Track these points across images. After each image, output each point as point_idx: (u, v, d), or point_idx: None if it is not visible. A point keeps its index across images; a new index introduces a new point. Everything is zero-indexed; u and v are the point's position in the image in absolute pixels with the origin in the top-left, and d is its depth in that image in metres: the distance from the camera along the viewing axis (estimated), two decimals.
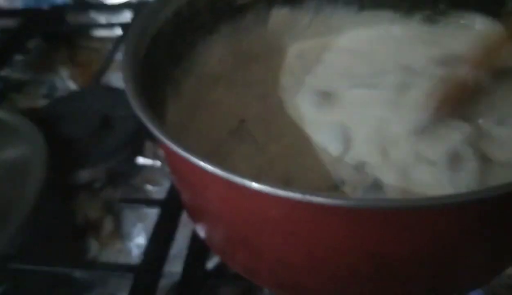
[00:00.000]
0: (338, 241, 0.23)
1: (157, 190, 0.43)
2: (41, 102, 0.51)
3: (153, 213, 0.39)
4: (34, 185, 0.37)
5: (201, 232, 0.32)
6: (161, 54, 0.33)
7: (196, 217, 0.32)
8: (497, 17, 0.37)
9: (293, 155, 0.33)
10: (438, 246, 0.23)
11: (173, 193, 0.39)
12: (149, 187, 0.43)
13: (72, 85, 0.54)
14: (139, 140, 0.45)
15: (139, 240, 0.40)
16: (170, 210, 0.38)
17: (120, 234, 0.40)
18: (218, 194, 0.26)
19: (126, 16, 0.63)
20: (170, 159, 0.29)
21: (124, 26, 0.59)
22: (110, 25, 0.63)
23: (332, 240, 0.24)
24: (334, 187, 0.30)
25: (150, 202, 0.41)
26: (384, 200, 0.27)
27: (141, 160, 0.45)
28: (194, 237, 0.36)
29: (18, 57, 0.57)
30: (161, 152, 0.45)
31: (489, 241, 0.25)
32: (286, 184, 0.31)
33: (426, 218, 0.22)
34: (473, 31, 0.38)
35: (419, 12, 0.39)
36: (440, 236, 0.23)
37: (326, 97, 0.36)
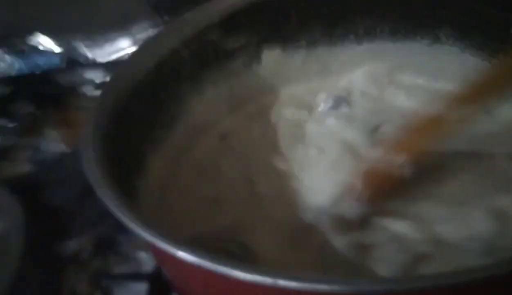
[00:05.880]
0: None
1: (150, 258, 0.39)
2: (25, 168, 0.48)
3: (142, 287, 0.35)
4: (11, 262, 0.34)
5: None
6: (140, 109, 0.32)
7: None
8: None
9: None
10: None
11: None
12: (140, 254, 0.39)
13: (59, 148, 0.51)
14: None
15: None
16: (159, 284, 0.34)
17: None
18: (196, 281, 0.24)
19: None
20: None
21: None
22: (102, 84, 0.62)
23: None
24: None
25: (138, 277, 0.37)
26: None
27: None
28: None
29: (4, 123, 0.55)
30: None
31: None
32: None
33: None
34: None
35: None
36: None
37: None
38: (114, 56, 0.67)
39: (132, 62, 0.33)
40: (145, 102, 0.32)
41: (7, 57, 0.67)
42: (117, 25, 0.65)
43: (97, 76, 0.64)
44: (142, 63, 0.33)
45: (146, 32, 0.66)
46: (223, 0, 0.37)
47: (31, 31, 0.64)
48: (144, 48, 0.34)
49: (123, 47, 0.67)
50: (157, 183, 0.32)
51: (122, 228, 0.39)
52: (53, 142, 0.51)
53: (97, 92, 0.61)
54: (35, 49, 0.66)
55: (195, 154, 0.36)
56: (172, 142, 0.35)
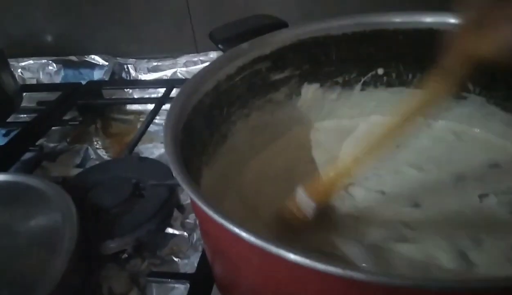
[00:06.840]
0: None
1: (184, 263, 0.41)
2: (74, 172, 0.51)
3: (180, 288, 0.38)
4: (63, 255, 0.36)
5: None
6: (200, 124, 0.34)
7: (228, 292, 0.31)
8: None
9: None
10: None
11: (202, 266, 0.38)
12: (175, 259, 0.42)
13: (105, 156, 0.54)
14: (168, 210, 0.44)
15: None
16: (200, 284, 0.36)
17: None
18: (253, 264, 0.25)
19: (158, 91, 0.65)
20: (204, 225, 0.29)
21: (156, 100, 0.61)
22: (143, 100, 0.66)
23: None
24: None
25: (179, 276, 0.39)
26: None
27: (169, 230, 0.44)
28: None
29: (54, 128, 0.59)
30: (188, 223, 0.44)
31: None
32: None
33: None
34: None
35: None
36: None
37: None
38: (154, 76, 0.71)
39: (195, 82, 0.35)
40: (203, 119, 0.35)
41: (58, 67, 0.71)
42: (161, 50, 0.70)
43: (137, 92, 0.68)
44: (203, 84, 0.36)
45: (186, 57, 0.71)
46: (275, 35, 0.40)
47: (87, 51, 0.70)
48: (205, 72, 0.36)
49: (164, 68, 0.71)
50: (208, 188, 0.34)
51: (161, 233, 0.43)
52: (99, 150, 0.54)
53: (136, 107, 0.65)
54: (84, 63, 0.70)
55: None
56: (219, 159, 0.37)
